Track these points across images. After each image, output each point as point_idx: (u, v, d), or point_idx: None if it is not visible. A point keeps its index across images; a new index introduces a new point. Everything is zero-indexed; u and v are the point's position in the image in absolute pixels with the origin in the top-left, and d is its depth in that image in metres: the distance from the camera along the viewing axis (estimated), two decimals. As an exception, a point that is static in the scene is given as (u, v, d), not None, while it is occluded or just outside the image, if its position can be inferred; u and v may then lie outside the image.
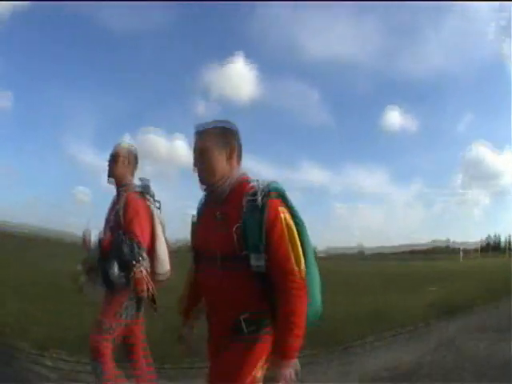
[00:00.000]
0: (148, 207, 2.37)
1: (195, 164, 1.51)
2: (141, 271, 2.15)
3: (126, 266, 2.13)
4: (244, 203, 1.38)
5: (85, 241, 2.21)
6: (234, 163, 1.53)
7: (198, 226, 1.61)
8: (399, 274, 17.01)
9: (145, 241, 2.24)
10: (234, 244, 1.36)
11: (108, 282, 2.18)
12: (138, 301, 2.24)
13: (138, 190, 2.40)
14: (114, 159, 2.43)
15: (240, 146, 1.56)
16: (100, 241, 2.21)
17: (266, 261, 1.35)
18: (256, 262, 1.35)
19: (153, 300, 2.24)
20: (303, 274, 1.37)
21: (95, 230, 2.26)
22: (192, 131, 1.58)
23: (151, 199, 2.43)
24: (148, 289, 2.19)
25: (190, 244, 1.66)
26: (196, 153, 1.52)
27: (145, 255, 2.23)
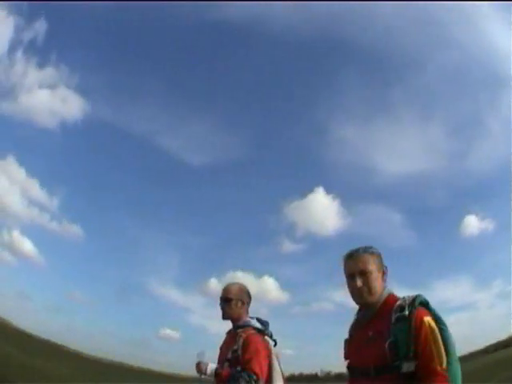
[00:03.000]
0: (267, 345, 2.50)
1: (355, 285, 1.71)
2: None
3: None
4: (393, 319, 1.60)
5: (200, 367, 2.42)
6: (384, 283, 1.76)
7: (350, 343, 1.81)
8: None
9: (263, 377, 2.37)
10: (387, 357, 1.55)
11: None
12: None
13: (257, 329, 2.52)
14: (226, 302, 2.57)
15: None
16: (217, 372, 2.39)
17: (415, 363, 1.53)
18: (407, 368, 1.53)
19: None
20: (445, 371, 1.52)
21: (208, 360, 2.47)
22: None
23: (269, 338, 2.57)
24: None
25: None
26: (357, 274, 1.72)
27: None
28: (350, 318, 1.87)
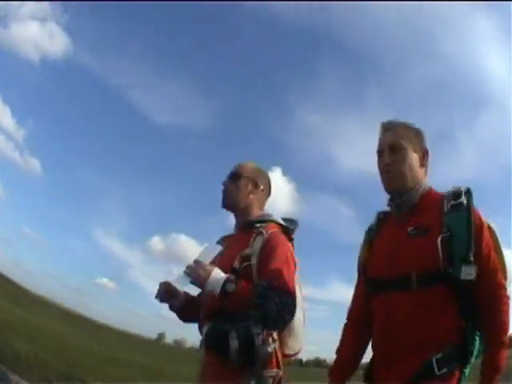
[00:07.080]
0: (294, 255, 1.58)
1: (385, 162, 1.30)
2: (274, 342, 1.38)
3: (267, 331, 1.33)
4: (445, 208, 1.20)
5: (200, 271, 1.36)
6: (425, 170, 1.35)
7: (375, 249, 1.35)
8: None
9: (296, 301, 1.45)
10: (438, 258, 1.14)
11: (246, 351, 1.30)
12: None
13: (282, 227, 1.60)
14: (233, 179, 1.68)
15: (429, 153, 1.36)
16: (226, 290, 1.34)
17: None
18: (466, 275, 1.11)
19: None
20: (508, 287, 1.18)
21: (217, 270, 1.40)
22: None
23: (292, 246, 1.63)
24: (279, 369, 1.41)
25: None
26: (386, 149, 1.31)
27: None
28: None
